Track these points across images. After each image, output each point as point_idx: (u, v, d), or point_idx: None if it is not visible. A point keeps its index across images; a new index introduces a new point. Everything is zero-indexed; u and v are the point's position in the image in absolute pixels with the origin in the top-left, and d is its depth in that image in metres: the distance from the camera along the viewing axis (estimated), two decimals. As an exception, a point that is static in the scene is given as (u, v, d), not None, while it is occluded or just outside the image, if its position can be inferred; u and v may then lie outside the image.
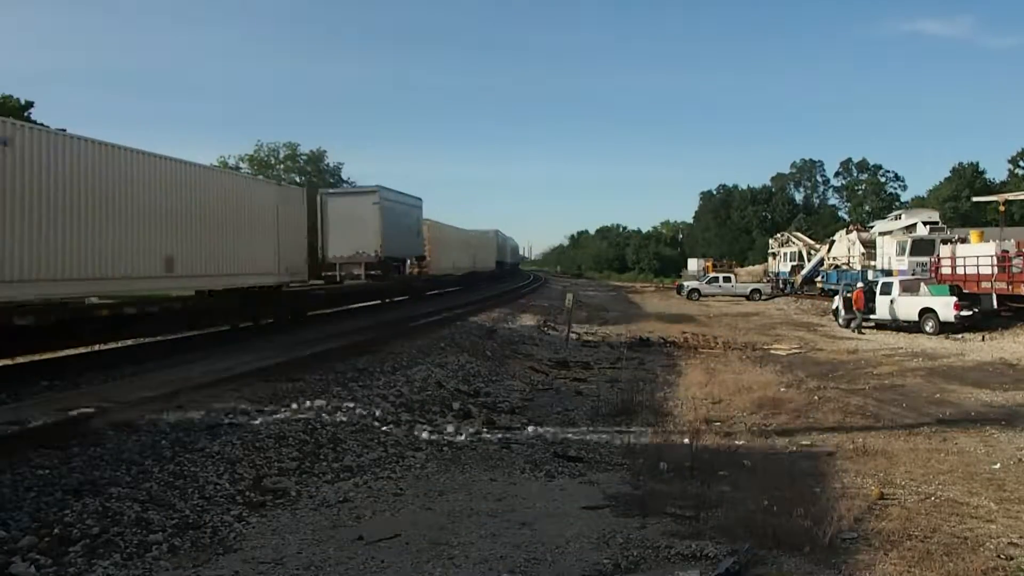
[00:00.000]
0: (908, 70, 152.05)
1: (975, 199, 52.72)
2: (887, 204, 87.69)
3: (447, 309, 27.03)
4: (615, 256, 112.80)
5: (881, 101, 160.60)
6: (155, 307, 15.16)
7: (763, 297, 47.35)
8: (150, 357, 14.19)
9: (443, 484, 7.86)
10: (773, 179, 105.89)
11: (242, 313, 18.90)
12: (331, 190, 31.28)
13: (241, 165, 52.47)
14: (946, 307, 24.04)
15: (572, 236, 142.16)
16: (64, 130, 13.55)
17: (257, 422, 9.22)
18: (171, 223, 15.35)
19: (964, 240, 29.32)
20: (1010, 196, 44.07)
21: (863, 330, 25.93)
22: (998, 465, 8.84)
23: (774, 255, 56.55)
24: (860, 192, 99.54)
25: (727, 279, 50.29)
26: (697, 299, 47.07)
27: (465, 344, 18.54)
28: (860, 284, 28.11)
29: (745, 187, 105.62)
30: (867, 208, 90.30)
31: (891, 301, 25.59)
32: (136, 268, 14.29)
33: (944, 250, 28.46)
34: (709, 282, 50.11)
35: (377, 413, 10.51)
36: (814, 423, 11.37)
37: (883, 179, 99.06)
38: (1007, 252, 24.67)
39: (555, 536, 6.17)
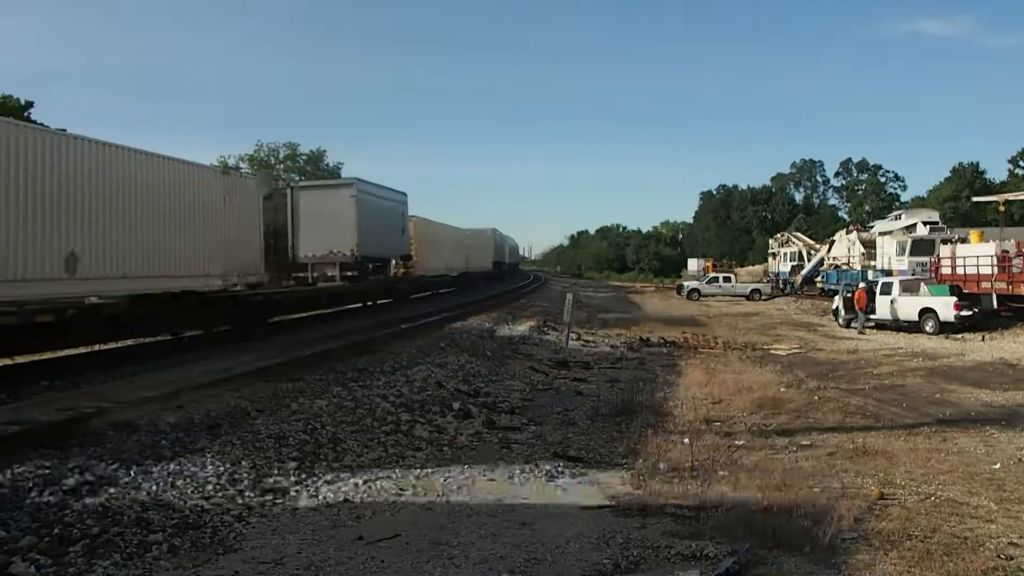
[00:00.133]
0: (908, 70, 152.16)
1: (975, 199, 52.77)
2: (887, 204, 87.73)
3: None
4: (615, 256, 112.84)
5: (881, 101, 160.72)
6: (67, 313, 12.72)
7: (763, 297, 47.36)
8: (150, 357, 14.18)
9: (443, 484, 7.86)
10: (773, 179, 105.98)
11: (171, 322, 16.05)
12: (302, 182, 29.37)
13: (241, 165, 52.49)
14: (946, 307, 24.05)
15: (572, 236, 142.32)
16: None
17: (257, 422, 9.23)
18: (73, 215, 12.83)
19: (964, 240, 29.33)
20: (1010, 196, 44.10)
21: (864, 330, 25.93)
22: (998, 465, 8.84)
23: (774, 255, 56.58)
24: (860, 192, 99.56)
25: (727, 279, 50.31)
26: (697, 299, 47.08)
27: (465, 344, 18.53)
28: (862, 284, 28.09)
29: (745, 187, 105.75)
30: (867, 208, 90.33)
31: (891, 301, 25.60)
32: (26, 268, 11.84)
33: (944, 250, 28.47)
34: (709, 282, 50.12)
35: (377, 413, 10.51)
36: (814, 423, 11.36)
37: (883, 179, 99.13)
38: (1007, 252, 24.68)
39: (555, 536, 6.17)
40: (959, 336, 23.22)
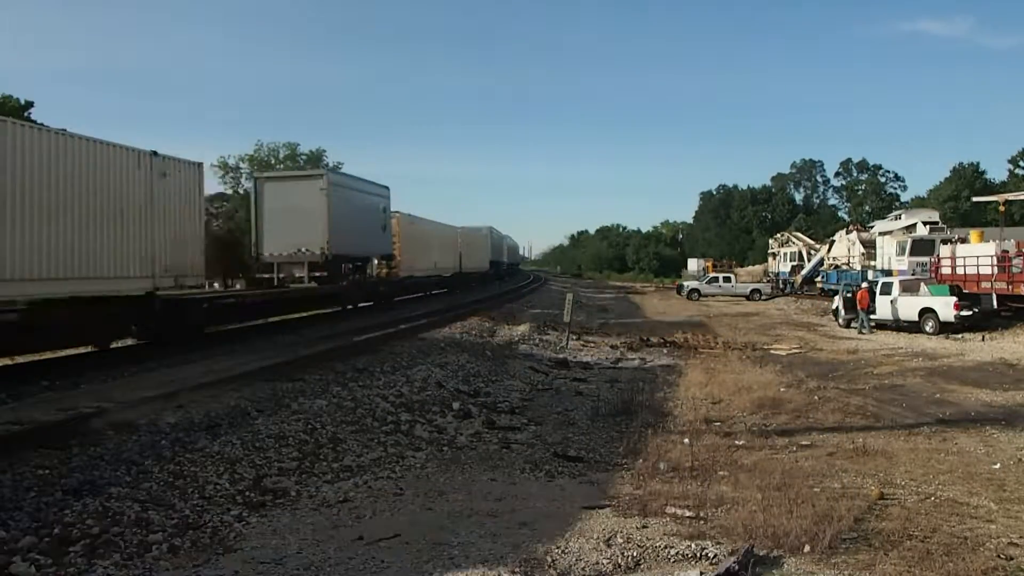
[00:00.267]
0: (908, 70, 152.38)
1: (975, 199, 52.73)
2: (887, 204, 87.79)
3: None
4: (615, 256, 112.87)
5: (881, 101, 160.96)
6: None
7: (763, 297, 47.34)
8: (151, 357, 14.18)
9: (443, 484, 7.86)
10: (773, 179, 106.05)
11: (76, 332, 13.84)
12: (269, 172, 25.16)
13: (241, 165, 52.28)
14: (946, 307, 24.05)
15: (572, 236, 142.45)
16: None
17: (257, 422, 9.23)
18: None
19: (964, 240, 29.32)
20: (1010, 196, 44.05)
21: (863, 331, 25.91)
22: (998, 465, 8.84)
23: (774, 255, 56.60)
24: (860, 192, 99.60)
25: (727, 279, 50.30)
26: (697, 299, 47.06)
27: (465, 344, 18.53)
28: (864, 284, 28.04)
29: (745, 187, 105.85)
30: (867, 208, 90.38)
31: (891, 301, 25.59)
32: None
33: (944, 250, 28.46)
34: (709, 282, 50.11)
35: (377, 413, 10.51)
36: (814, 423, 11.36)
37: (883, 179, 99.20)
38: (1007, 252, 24.68)
39: (555, 536, 6.17)
40: (959, 336, 23.22)
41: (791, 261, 50.87)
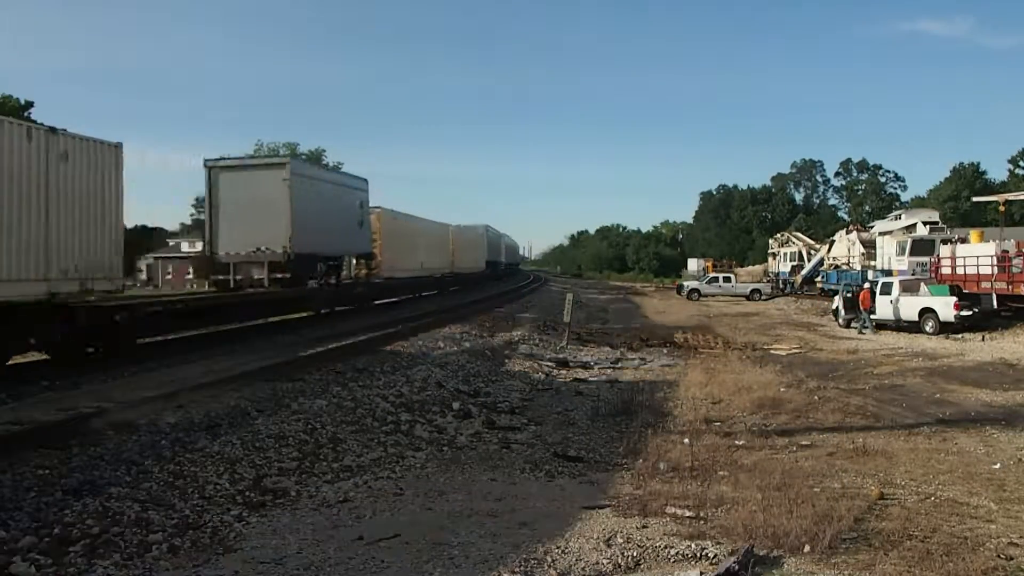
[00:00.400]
0: (908, 70, 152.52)
1: (975, 199, 52.77)
2: (887, 204, 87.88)
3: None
4: (615, 256, 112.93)
5: (881, 101, 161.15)
6: None
7: (763, 297, 47.35)
8: (151, 357, 14.18)
9: (443, 484, 7.86)
10: (773, 179, 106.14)
11: None
12: (224, 159, 21.62)
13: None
14: (946, 307, 24.04)
15: (572, 236, 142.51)
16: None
17: (257, 422, 9.23)
18: None
19: (964, 240, 29.33)
20: (1010, 196, 44.06)
21: (865, 330, 25.90)
22: (998, 465, 8.84)
23: (774, 255, 56.61)
24: (860, 192, 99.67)
25: (727, 279, 50.31)
26: (697, 299, 47.06)
27: (465, 344, 18.54)
28: (867, 284, 28.02)
29: (745, 187, 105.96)
30: (867, 208, 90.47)
31: (890, 301, 25.59)
32: None
33: (944, 250, 28.46)
34: (709, 282, 50.12)
35: (377, 413, 10.51)
36: (814, 423, 11.36)
37: (883, 179, 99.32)
38: (1007, 252, 24.68)
39: (555, 536, 6.17)
40: (959, 336, 23.22)
41: (791, 261, 50.89)
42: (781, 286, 50.96)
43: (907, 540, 6.09)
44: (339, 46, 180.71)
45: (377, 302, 28.76)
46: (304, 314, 21.97)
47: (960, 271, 26.16)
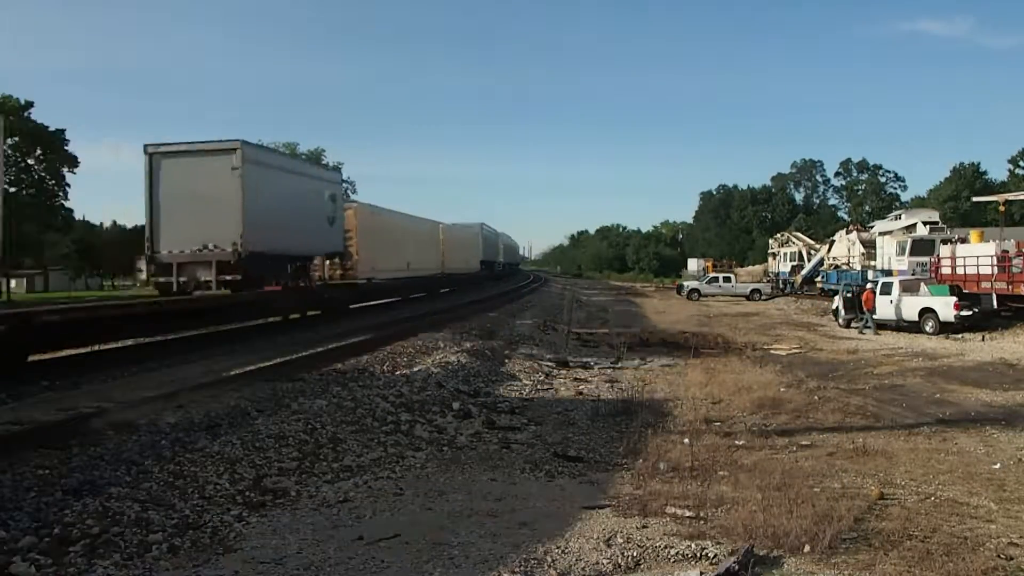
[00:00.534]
0: (908, 70, 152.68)
1: (975, 199, 52.82)
2: (887, 204, 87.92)
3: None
4: (615, 256, 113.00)
5: (881, 101, 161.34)
6: None
7: (763, 297, 47.37)
8: (151, 357, 14.18)
9: (443, 484, 7.86)
10: (773, 179, 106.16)
11: None
12: (167, 144, 18.51)
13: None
14: (946, 307, 24.06)
15: (572, 236, 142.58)
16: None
17: (257, 422, 9.22)
18: None
19: (964, 240, 29.35)
20: (1010, 196, 44.11)
21: (866, 331, 25.88)
22: (998, 465, 8.84)
23: (774, 255, 56.65)
24: (860, 192, 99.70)
25: (727, 279, 50.35)
26: (697, 299, 47.08)
27: (465, 344, 18.53)
28: (869, 285, 28.02)
29: (745, 187, 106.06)
30: (867, 208, 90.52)
31: (891, 301, 25.60)
32: None
33: (944, 250, 28.49)
34: (709, 282, 50.15)
35: (377, 413, 10.51)
36: (814, 423, 11.36)
37: (883, 179, 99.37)
38: (1007, 252, 24.70)
39: (555, 536, 6.17)
40: (959, 336, 23.22)
41: (791, 261, 50.93)
42: (781, 286, 50.98)
43: (907, 540, 6.09)
44: (339, 46, 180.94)
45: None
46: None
47: (960, 271, 26.18)
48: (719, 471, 8.34)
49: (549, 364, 17.93)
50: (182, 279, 18.08)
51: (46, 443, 7.67)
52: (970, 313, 23.80)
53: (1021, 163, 79.06)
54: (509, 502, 7.24)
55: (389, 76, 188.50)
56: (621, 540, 6.06)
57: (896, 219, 41.27)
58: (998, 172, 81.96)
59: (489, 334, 21.61)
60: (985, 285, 24.72)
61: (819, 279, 44.66)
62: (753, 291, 48.31)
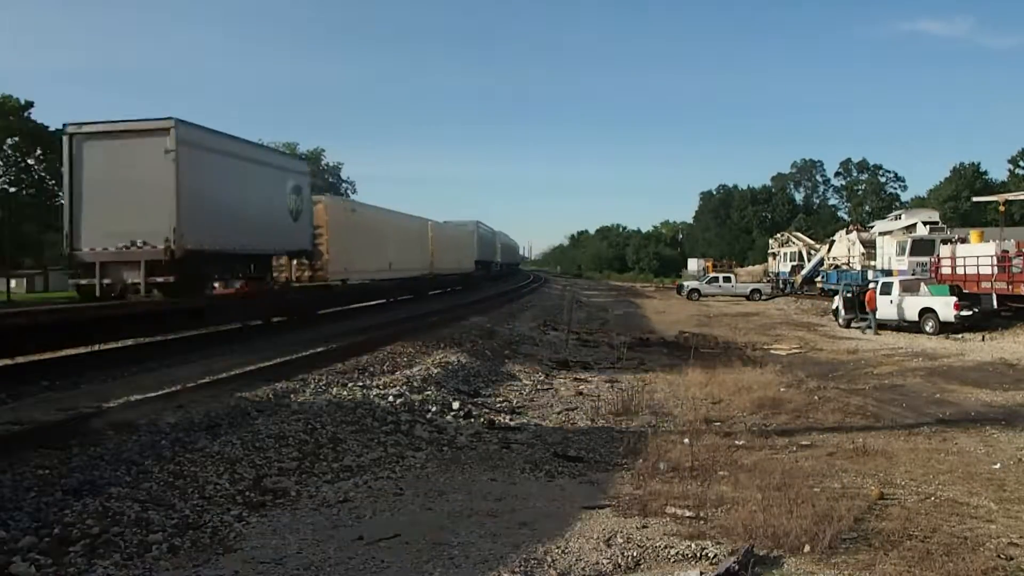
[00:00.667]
0: (908, 70, 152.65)
1: (975, 199, 52.83)
2: (887, 204, 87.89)
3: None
4: (615, 256, 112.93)
5: (881, 101, 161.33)
6: None
7: (763, 297, 47.39)
8: (151, 357, 14.18)
9: (443, 484, 7.85)
10: (773, 179, 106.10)
11: None
12: (90, 123, 15.85)
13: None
14: (946, 307, 24.06)
15: (572, 236, 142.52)
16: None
17: (257, 422, 9.22)
18: None
19: (964, 240, 29.37)
20: (1010, 196, 44.14)
21: (868, 330, 25.87)
22: (998, 465, 8.84)
23: (774, 255, 56.65)
24: (860, 192, 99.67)
25: (727, 279, 50.37)
26: (697, 299, 47.10)
27: (465, 344, 18.53)
28: (872, 285, 28.03)
29: (745, 187, 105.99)
30: (867, 208, 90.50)
31: (891, 301, 25.61)
32: None
33: (944, 250, 28.50)
34: (709, 282, 50.17)
35: (377, 413, 10.51)
36: (814, 423, 11.36)
37: (883, 179, 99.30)
38: (1007, 252, 24.71)
39: (555, 536, 6.17)
40: (959, 336, 23.23)
41: (791, 261, 50.94)
42: (781, 286, 50.99)
43: (907, 540, 6.09)
44: (339, 46, 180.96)
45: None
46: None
47: (960, 271, 26.19)
48: (719, 471, 8.35)
49: (549, 364, 17.93)
50: (106, 281, 15.46)
51: (46, 443, 7.66)
52: (970, 313, 23.81)
53: (1021, 163, 79.07)
54: (509, 502, 7.24)
55: (389, 76, 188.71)
56: (621, 540, 6.06)
57: (896, 219, 41.28)
58: (998, 172, 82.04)
59: (489, 334, 21.61)
60: (985, 285, 24.73)
61: (819, 279, 44.68)
62: (753, 291, 48.33)
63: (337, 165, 77.74)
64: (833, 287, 37.72)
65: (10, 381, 11.38)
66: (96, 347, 14.56)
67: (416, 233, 35.27)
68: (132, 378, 12.00)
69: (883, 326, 25.90)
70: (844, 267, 41.05)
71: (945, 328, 23.80)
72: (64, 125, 15.95)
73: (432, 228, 38.02)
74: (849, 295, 28.34)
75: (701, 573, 5.32)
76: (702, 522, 6.50)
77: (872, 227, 44.55)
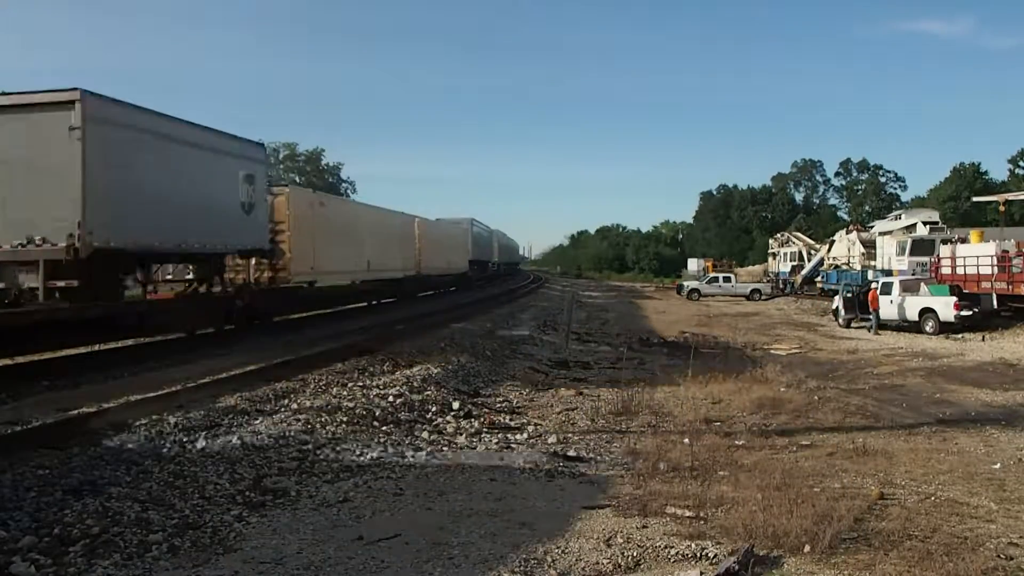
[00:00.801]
0: (908, 70, 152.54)
1: (975, 199, 52.89)
2: (887, 204, 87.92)
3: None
4: (615, 256, 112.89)
5: (881, 101, 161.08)
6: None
7: (763, 297, 47.41)
8: (151, 357, 14.18)
9: (443, 484, 7.85)
10: (773, 179, 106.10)
11: None
12: None
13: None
14: (946, 307, 24.07)
15: (572, 236, 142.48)
16: None
17: (257, 422, 9.23)
18: None
19: (964, 240, 29.38)
20: (1010, 196, 44.19)
21: (872, 330, 25.86)
22: (998, 465, 8.84)
23: (774, 255, 56.67)
24: (860, 192, 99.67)
25: (727, 279, 50.39)
26: (697, 299, 47.12)
27: (465, 344, 18.54)
28: (874, 285, 28.05)
29: (745, 187, 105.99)
30: (867, 208, 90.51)
31: (891, 301, 25.62)
32: None
33: (944, 250, 28.51)
34: (709, 282, 50.19)
35: (377, 413, 10.51)
36: (814, 423, 11.36)
37: (883, 179, 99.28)
38: (1007, 252, 24.73)
39: (555, 536, 6.17)
40: (959, 336, 23.24)
41: (791, 261, 50.96)
42: (781, 286, 51.00)
43: (907, 540, 6.09)
44: (339, 46, 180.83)
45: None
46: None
47: (960, 271, 26.20)
48: (719, 471, 8.35)
49: (549, 364, 17.93)
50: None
51: (46, 443, 7.67)
52: (970, 313, 23.82)
53: (1021, 163, 79.10)
54: (509, 502, 7.24)
55: (389, 76, 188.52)
56: (621, 540, 6.06)
57: (896, 219, 41.32)
58: (998, 172, 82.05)
59: (489, 334, 21.61)
60: (985, 285, 24.75)
61: (819, 279, 44.70)
62: (753, 291, 48.35)
63: (337, 165, 77.71)
64: (833, 287, 37.74)
65: (10, 381, 11.39)
66: (96, 347, 14.59)
67: (400, 230, 32.64)
68: (132, 378, 12.01)
69: (883, 326, 25.91)
70: (844, 267, 41.08)
71: (945, 328, 23.81)
72: None
73: (419, 225, 35.43)
74: (849, 295, 28.35)
75: (701, 573, 5.32)
76: (702, 522, 6.50)
77: (872, 227, 44.58)
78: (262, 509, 6.79)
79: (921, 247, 32.08)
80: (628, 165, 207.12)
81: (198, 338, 17.01)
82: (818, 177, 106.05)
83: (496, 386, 14.45)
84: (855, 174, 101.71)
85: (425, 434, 9.99)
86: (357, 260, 26.18)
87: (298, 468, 7.97)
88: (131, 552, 5.57)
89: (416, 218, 35.68)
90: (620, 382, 15.46)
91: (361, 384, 12.27)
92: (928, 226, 35.61)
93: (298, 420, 9.50)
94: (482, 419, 11.27)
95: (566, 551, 5.84)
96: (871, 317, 26.21)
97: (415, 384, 12.76)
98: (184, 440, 8.26)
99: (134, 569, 5.36)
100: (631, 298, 52.45)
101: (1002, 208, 41.25)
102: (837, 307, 29.07)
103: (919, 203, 73.36)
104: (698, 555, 5.71)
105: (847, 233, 44.28)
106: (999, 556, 5.78)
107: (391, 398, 11.50)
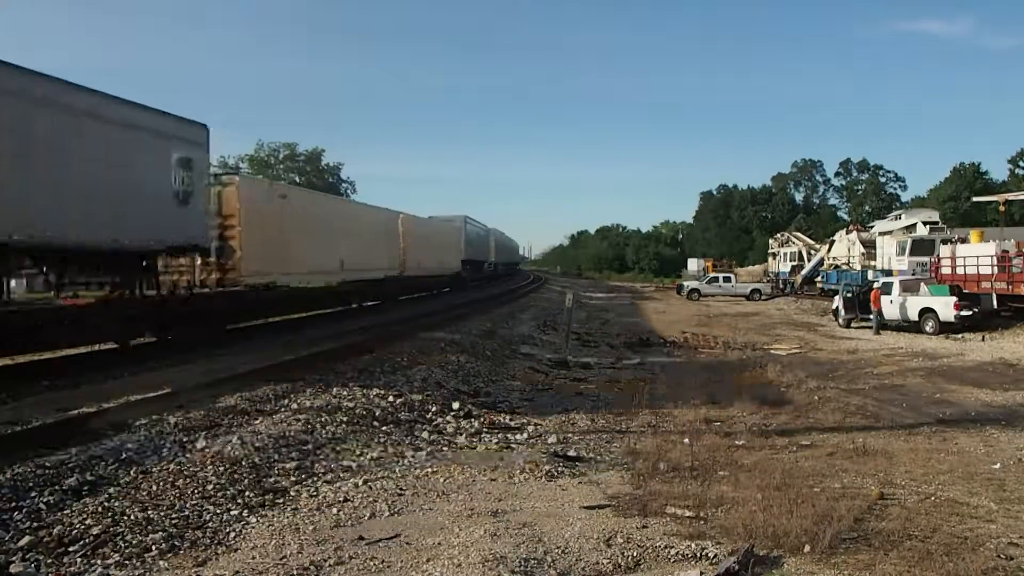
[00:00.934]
0: (908, 70, 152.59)
1: (975, 199, 52.85)
2: (887, 204, 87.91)
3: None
4: (615, 256, 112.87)
5: (881, 101, 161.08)
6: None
7: (763, 297, 47.39)
8: (151, 357, 14.18)
9: (443, 484, 7.86)
10: (773, 179, 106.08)
11: None
12: None
13: (241, 165, 52.13)
14: (946, 307, 24.06)
15: (572, 236, 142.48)
16: None
17: (257, 422, 9.23)
18: None
19: (964, 240, 29.37)
20: (1010, 196, 44.18)
21: (876, 330, 25.85)
22: (998, 465, 8.84)
23: (774, 255, 56.65)
24: (860, 192, 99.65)
25: (727, 279, 50.36)
26: (697, 299, 47.10)
27: (465, 344, 18.53)
28: (876, 285, 28.01)
29: (745, 187, 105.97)
30: (867, 208, 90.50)
31: (891, 301, 25.61)
32: None
33: (944, 250, 28.50)
34: (709, 282, 50.16)
35: (377, 413, 10.51)
36: (814, 423, 11.36)
37: (883, 179, 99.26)
38: (1007, 252, 24.71)
39: (555, 536, 6.17)
40: (959, 336, 23.22)
41: (791, 261, 50.94)
42: (781, 286, 50.99)
43: (907, 540, 6.09)
44: (339, 46, 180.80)
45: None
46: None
47: (960, 271, 26.19)
48: (719, 471, 8.34)
49: (549, 364, 17.93)
50: None
51: (46, 443, 7.67)
52: (970, 313, 23.80)
53: (1021, 163, 79.08)
54: (509, 502, 7.24)
55: (389, 76, 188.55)
56: (621, 540, 6.06)
57: (896, 219, 41.31)
58: (998, 172, 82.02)
59: (489, 334, 21.61)
60: (985, 285, 24.73)
61: (819, 279, 44.68)
62: (753, 291, 48.32)
63: (337, 165, 77.59)
64: (833, 287, 37.72)
65: (10, 381, 11.38)
66: (96, 347, 14.58)
67: (382, 227, 29.66)
68: (132, 378, 12.01)
69: (883, 326, 25.89)
70: (844, 267, 41.06)
71: (945, 328, 23.80)
72: None
73: (404, 222, 32.27)
74: (849, 295, 28.33)
75: (701, 573, 5.32)
76: (702, 522, 6.50)
77: (872, 227, 44.57)
78: (262, 509, 6.79)
79: (921, 247, 32.08)
80: (628, 165, 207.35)
81: (198, 339, 17.00)
82: (818, 177, 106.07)
83: (496, 386, 14.45)
84: (855, 174, 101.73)
85: (425, 434, 10.00)
86: (327, 259, 23.30)
87: (298, 468, 7.97)
88: (131, 552, 5.58)
89: (401, 214, 32.57)
90: (620, 382, 15.46)
91: (361, 384, 12.27)
92: (928, 226, 35.60)
93: (298, 420, 9.50)
94: (482, 419, 11.27)
95: (566, 551, 5.84)
96: (872, 317, 26.19)
97: (416, 384, 12.76)
98: (184, 440, 8.26)
99: (134, 569, 5.36)
100: (631, 298, 52.43)
101: (1002, 208, 41.24)
102: (837, 307, 29.05)
103: (919, 203, 73.36)
104: (698, 555, 5.71)
105: (847, 233, 44.27)
106: (999, 556, 5.78)
107: (391, 398, 11.51)
